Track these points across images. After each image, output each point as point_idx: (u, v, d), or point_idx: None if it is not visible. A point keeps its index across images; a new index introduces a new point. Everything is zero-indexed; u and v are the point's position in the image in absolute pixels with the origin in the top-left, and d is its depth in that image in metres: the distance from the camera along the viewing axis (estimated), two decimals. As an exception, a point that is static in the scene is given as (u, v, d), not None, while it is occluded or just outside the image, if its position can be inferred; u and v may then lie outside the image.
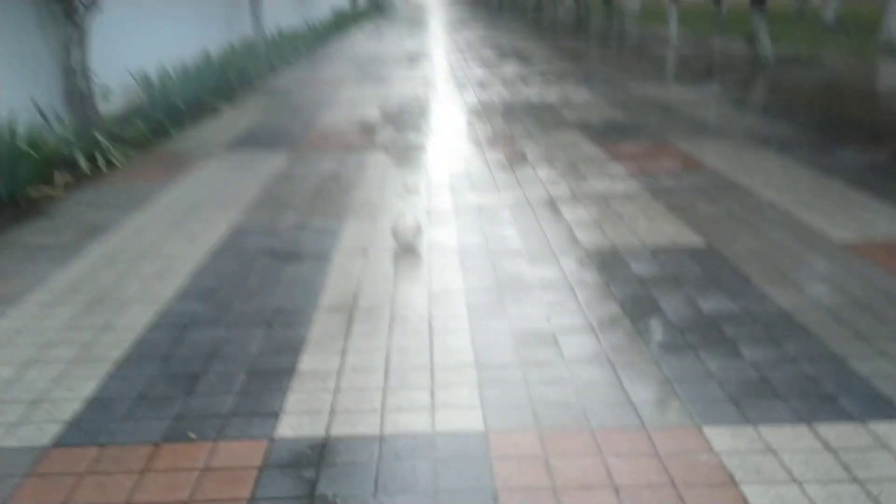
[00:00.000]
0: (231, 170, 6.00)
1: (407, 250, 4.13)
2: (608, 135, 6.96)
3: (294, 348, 3.04)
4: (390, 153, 6.44)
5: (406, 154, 6.41)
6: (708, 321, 3.17)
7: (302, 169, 5.94)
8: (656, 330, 3.11)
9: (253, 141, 7.02)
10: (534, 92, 9.57)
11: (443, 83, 10.60)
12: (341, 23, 22.26)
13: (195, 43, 10.29)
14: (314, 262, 3.97)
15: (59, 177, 5.64)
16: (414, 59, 14.11)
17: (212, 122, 8.04)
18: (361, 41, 18.61)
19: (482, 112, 8.20)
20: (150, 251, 4.19)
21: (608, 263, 3.85)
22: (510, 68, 12.19)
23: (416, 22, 27.17)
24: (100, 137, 6.38)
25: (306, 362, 2.92)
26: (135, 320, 3.33)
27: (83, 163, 6.02)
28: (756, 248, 3.99)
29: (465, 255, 4.02)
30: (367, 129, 7.39)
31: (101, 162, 6.15)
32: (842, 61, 12.23)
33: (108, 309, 3.45)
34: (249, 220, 4.71)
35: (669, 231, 4.29)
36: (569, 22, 24.49)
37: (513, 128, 7.34)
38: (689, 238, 4.17)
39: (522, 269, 3.81)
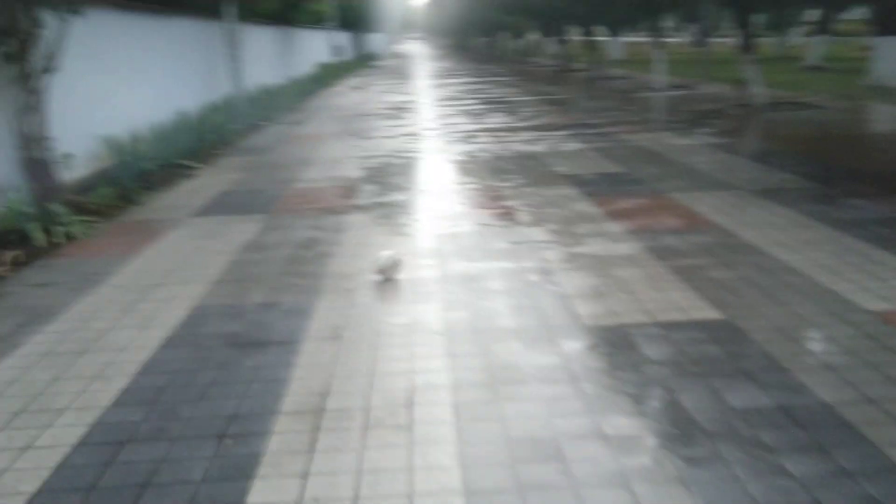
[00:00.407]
0: (199, 238, 5.53)
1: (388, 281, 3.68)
2: (602, 188, 6.55)
3: (246, 472, 2.53)
4: (371, 215, 6.01)
5: (388, 215, 5.98)
6: (739, 422, 2.68)
7: (275, 236, 5.48)
8: (680, 437, 2.62)
9: (225, 205, 6.58)
10: (523, 143, 9.21)
11: (428, 136, 10.26)
12: (325, 77, 22.15)
13: (173, 103, 9.94)
14: (280, 350, 3.48)
15: (7, 253, 5.16)
16: (399, 111, 13.83)
17: (185, 184, 7.61)
18: (345, 94, 18.40)
19: (470, 166, 7.81)
20: (96, 343, 3.69)
21: (615, 345, 3.37)
22: (497, 118, 11.89)
23: (402, 73, 27.15)
24: (58, 208, 5.92)
25: (257, 494, 2.41)
26: (61, 437, 2.81)
27: (38, 236, 5.55)
28: (781, 323, 3.53)
29: (453, 337, 3.54)
30: (348, 189, 6.98)
31: (57, 234, 5.68)
32: (834, 104, 11.99)
33: (32, 421, 2.94)
34: (212, 299, 4.23)
35: (681, 302, 3.83)
36: (552, 70, 24.47)
37: (502, 183, 6.94)
38: (704, 311, 3.71)
39: (517, 354, 3.32)
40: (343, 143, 9.90)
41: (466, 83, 20.68)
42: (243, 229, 5.71)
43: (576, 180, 6.93)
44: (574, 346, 3.39)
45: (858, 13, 21.47)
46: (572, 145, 8.91)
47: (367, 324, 3.74)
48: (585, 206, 5.94)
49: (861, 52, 20.81)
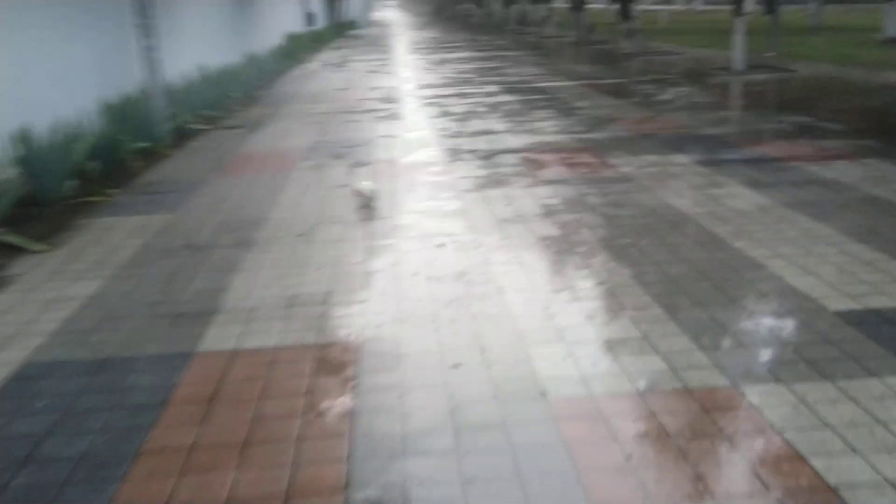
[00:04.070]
0: None
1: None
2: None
3: None
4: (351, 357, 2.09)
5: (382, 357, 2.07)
6: None
7: None
8: None
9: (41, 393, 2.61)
10: (640, 191, 5.23)
11: (444, 156, 6.27)
12: (295, 51, 17.87)
13: (35, 109, 5.81)
14: None
15: None
16: (391, 105, 9.75)
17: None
18: (320, 77, 14.19)
19: (519, 227, 3.88)
20: None
21: None
22: (548, 122, 7.87)
23: (385, 46, 22.84)
24: None
25: None
26: None
27: None
28: None
29: None
30: (314, 301, 3.04)
31: None
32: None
33: None
34: None
35: None
36: (570, 42, 20.37)
37: (572, 258, 3.03)
38: None
39: None
40: (316, 175, 5.87)
41: (470, 59, 16.53)
42: None
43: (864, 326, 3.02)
44: None
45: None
46: (747, 199, 4.94)
47: None
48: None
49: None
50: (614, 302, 3.31)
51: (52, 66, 6.35)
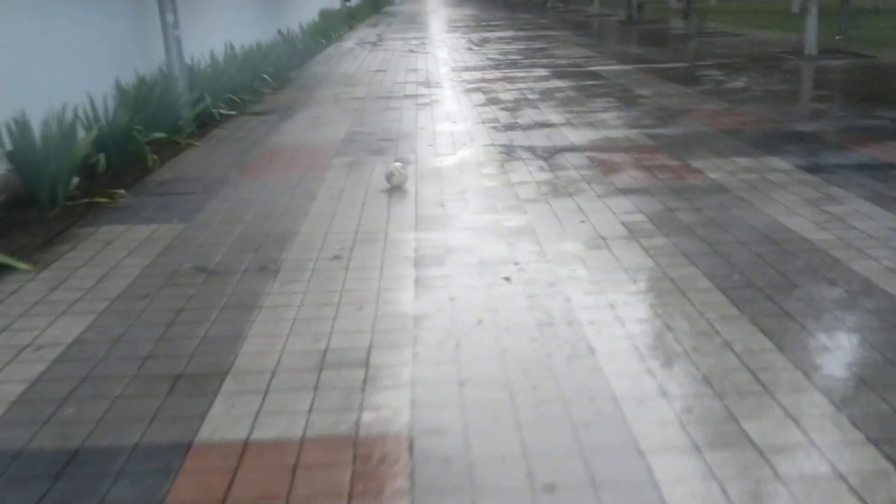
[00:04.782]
0: None
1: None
2: None
3: None
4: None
5: None
6: None
7: None
8: None
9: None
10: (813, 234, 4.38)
11: (497, 154, 5.44)
12: (330, 28, 17.04)
13: (46, 88, 5.09)
14: None
15: None
16: (432, 89, 8.92)
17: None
18: (355, 57, 13.37)
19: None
20: None
21: None
22: (610, 114, 6.98)
23: (423, 23, 21.91)
24: None
25: None
26: None
27: None
28: None
29: None
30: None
31: None
32: None
33: None
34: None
35: None
36: (615, 22, 19.26)
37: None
38: None
39: None
40: (354, 177, 5.09)
41: (513, 39, 15.58)
42: None
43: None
44: None
45: None
46: (879, 220, 4.04)
47: None
48: None
49: None
50: (762, 394, 2.48)
51: (58, 45, 5.62)
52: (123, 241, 4.06)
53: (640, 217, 4.14)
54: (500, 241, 3.87)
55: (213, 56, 8.72)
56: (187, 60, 7.42)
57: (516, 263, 3.55)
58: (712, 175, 4.92)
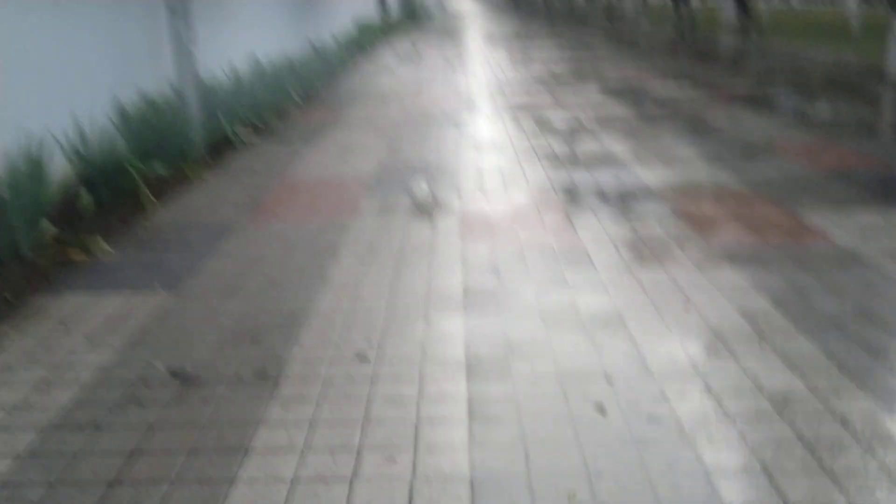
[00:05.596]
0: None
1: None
2: None
3: None
4: None
5: None
6: None
7: None
8: None
9: None
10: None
11: (557, 200, 4.45)
12: (365, 40, 16.23)
13: (36, 116, 4.23)
14: None
15: None
16: (474, 113, 7.96)
17: None
18: (390, 72, 12.48)
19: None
20: None
21: None
22: (676, 141, 5.95)
23: (461, 37, 21.04)
24: None
25: None
26: None
27: None
28: None
29: None
30: None
31: None
32: None
33: None
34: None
35: None
36: (667, 39, 18.19)
37: None
38: None
39: None
40: (387, 236, 4.13)
41: (559, 58, 14.59)
42: None
43: None
44: None
45: None
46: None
47: None
48: None
49: None
50: None
51: (45, 55, 4.77)
52: (85, 320, 3.14)
53: (762, 303, 3.12)
54: (581, 336, 2.88)
55: (234, 70, 7.86)
56: (203, 75, 6.56)
57: (606, 377, 2.56)
58: (838, 237, 3.88)
